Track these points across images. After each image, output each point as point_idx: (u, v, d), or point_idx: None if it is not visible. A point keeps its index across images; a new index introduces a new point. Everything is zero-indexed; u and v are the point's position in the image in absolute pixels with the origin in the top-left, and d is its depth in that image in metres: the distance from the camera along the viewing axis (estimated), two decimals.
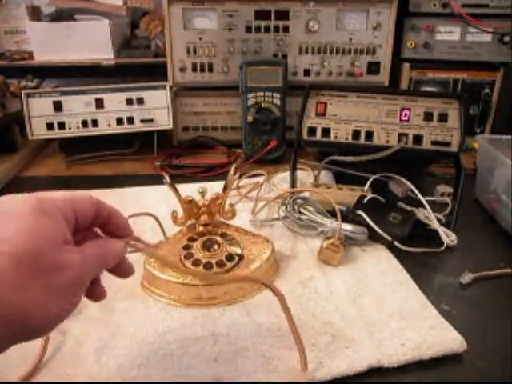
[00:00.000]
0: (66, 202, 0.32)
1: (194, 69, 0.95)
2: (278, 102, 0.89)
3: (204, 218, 0.58)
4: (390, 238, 0.60)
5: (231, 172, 0.58)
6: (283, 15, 0.92)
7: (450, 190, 0.74)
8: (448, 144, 0.69)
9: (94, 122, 0.89)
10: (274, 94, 0.88)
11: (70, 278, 0.29)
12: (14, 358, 0.42)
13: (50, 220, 0.30)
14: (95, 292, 0.36)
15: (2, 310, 0.26)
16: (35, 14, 1.23)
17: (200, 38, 0.93)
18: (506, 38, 0.93)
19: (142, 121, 0.90)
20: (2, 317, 0.26)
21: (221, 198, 0.58)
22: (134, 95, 0.89)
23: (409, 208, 0.66)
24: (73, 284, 0.30)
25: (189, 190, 0.60)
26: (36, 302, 0.28)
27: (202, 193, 0.57)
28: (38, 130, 0.87)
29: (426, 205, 0.65)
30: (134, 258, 0.59)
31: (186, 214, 0.57)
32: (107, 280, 0.56)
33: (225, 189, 0.58)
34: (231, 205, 0.59)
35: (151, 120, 0.90)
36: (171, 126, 0.92)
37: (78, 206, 0.33)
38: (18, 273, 0.27)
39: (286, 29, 0.93)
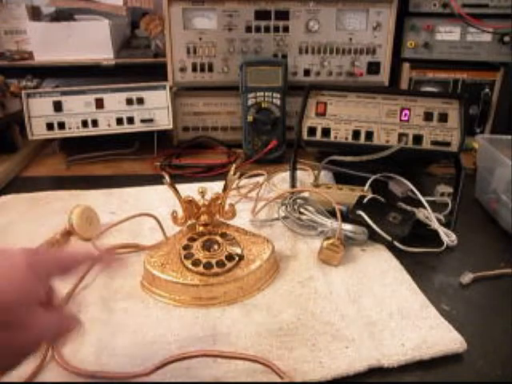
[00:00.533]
0: (43, 267, 0.32)
1: (194, 69, 0.95)
2: (278, 102, 0.89)
3: (204, 218, 0.58)
4: (389, 238, 0.60)
5: (231, 172, 0.58)
6: (283, 15, 0.92)
7: (450, 190, 0.74)
8: (448, 144, 0.69)
9: (94, 122, 0.89)
10: (274, 94, 0.88)
11: (28, 340, 0.30)
12: None
13: (30, 282, 0.30)
14: None
15: None
16: (35, 14, 1.23)
17: (200, 38, 0.93)
18: (506, 38, 0.93)
19: (142, 121, 0.90)
20: None
21: (221, 198, 0.58)
22: (134, 95, 0.89)
23: (409, 208, 0.66)
24: (27, 345, 0.30)
25: (189, 190, 0.60)
26: None
27: (202, 193, 0.57)
28: (37, 130, 0.87)
29: (426, 205, 0.65)
30: (134, 258, 0.59)
31: (186, 214, 0.57)
32: (107, 280, 0.56)
33: (225, 189, 0.58)
34: (231, 205, 0.59)
35: (151, 120, 0.90)
36: (171, 126, 0.92)
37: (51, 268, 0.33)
38: None
39: (286, 29, 0.93)
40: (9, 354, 0.30)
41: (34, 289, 0.30)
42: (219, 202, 0.58)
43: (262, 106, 0.89)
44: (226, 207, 0.59)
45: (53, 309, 0.33)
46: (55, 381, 0.41)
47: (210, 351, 0.43)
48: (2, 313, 0.28)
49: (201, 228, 0.58)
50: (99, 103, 0.88)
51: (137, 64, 1.14)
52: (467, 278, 0.55)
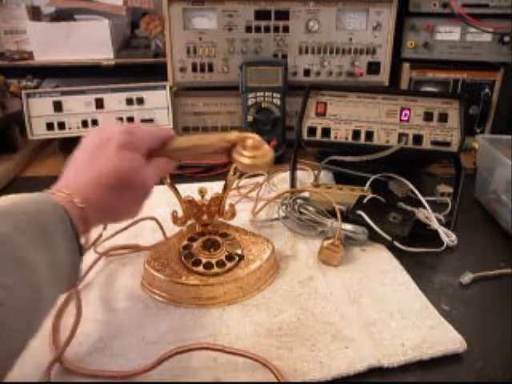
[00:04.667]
0: (142, 139, 0.45)
1: (194, 69, 0.95)
2: (278, 102, 0.89)
3: (204, 218, 0.58)
4: (389, 238, 0.60)
5: (231, 172, 0.58)
6: (283, 15, 0.92)
7: (450, 189, 0.74)
8: (448, 144, 0.69)
9: (94, 122, 0.88)
10: (274, 94, 0.88)
11: (145, 193, 0.45)
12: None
13: (135, 153, 0.43)
14: None
15: (108, 208, 0.42)
16: (35, 13, 1.23)
17: (200, 38, 0.93)
18: (506, 38, 0.92)
19: (142, 121, 0.90)
20: (103, 209, 0.41)
21: (221, 198, 0.58)
22: (134, 95, 0.89)
23: (409, 208, 0.66)
24: (145, 196, 0.46)
25: (189, 189, 0.60)
26: (125, 207, 0.44)
27: (202, 193, 0.57)
28: (38, 130, 0.87)
29: (426, 205, 0.65)
30: (134, 259, 0.59)
31: (186, 214, 0.57)
32: (108, 280, 0.56)
33: (225, 189, 0.58)
34: (231, 205, 0.59)
35: (151, 120, 0.90)
36: (171, 126, 0.92)
37: (149, 141, 0.46)
38: (120, 187, 0.42)
39: (286, 29, 0.93)
40: (137, 201, 0.45)
41: (138, 161, 0.44)
42: (219, 202, 0.58)
43: (262, 105, 0.89)
44: (226, 207, 0.59)
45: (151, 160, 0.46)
46: (56, 380, 0.41)
47: (212, 345, 0.43)
48: (127, 178, 0.42)
49: (201, 228, 0.58)
50: (99, 103, 0.88)
51: (137, 64, 1.14)
52: (467, 277, 0.55)
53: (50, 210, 0.37)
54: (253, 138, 0.50)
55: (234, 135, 0.49)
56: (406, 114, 0.70)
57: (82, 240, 0.40)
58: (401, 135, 0.70)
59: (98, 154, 0.43)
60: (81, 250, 0.39)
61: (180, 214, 0.57)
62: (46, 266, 0.34)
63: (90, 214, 0.40)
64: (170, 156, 0.48)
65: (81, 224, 0.39)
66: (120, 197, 0.42)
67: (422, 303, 0.50)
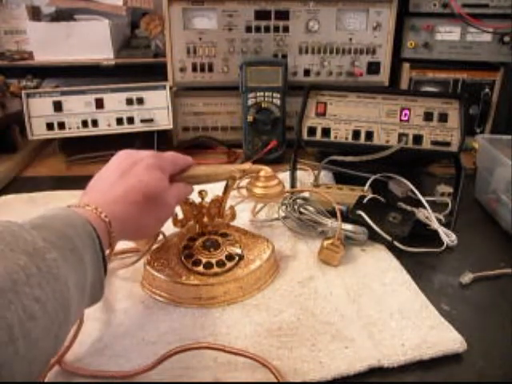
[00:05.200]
0: (168, 164, 0.49)
1: (194, 69, 0.95)
2: (278, 102, 0.89)
3: (204, 220, 0.58)
4: (389, 238, 0.60)
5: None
6: (283, 15, 0.92)
7: (449, 189, 0.74)
8: (448, 144, 0.69)
9: (94, 122, 0.88)
10: (274, 94, 0.88)
11: (168, 213, 0.49)
12: None
13: (162, 175, 0.47)
14: None
15: (133, 224, 0.44)
16: (35, 13, 1.23)
17: (200, 38, 0.93)
18: (506, 38, 0.92)
19: (142, 121, 0.90)
20: (128, 226, 0.43)
21: (221, 200, 0.58)
22: (134, 95, 0.89)
23: (409, 208, 0.66)
24: (167, 217, 0.49)
25: None
26: (148, 224, 0.46)
27: (202, 195, 0.57)
28: (38, 130, 0.87)
29: (426, 205, 0.65)
30: (134, 258, 0.59)
31: (186, 217, 0.57)
32: (107, 281, 0.56)
33: (225, 191, 0.58)
34: (231, 207, 0.59)
35: (151, 120, 0.90)
36: (171, 126, 0.92)
37: (172, 166, 0.50)
38: (146, 205, 0.44)
39: (286, 29, 0.93)
40: (160, 220, 0.48)
41: (163, 181, 0.46)
42: (219, 204, 0.58)
43: (262, 106, 0.89)
44: (226, 209, 0.59)
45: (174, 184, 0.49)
46: (55, 380, 0.41)
47: (212, 344, 0.43)
48: (153, 195, 0.44)
49: (201, 228, 0.58)
50: (99, 103, 0.88)
51: (137, 64, 1.14)
52: (467, 277, 0.55)
53: (79, 225, 0.37)
54: (265, 169, 0.56)
55: (247, 166, 0.56)
56: (406, 114, 0.70)
57: (107, 256, 0.40)
58: (401, 135, 0.70)
59: (128, 172, 0.45)
60: (105, 267, 0.39)
61: (180, 216, 0.57)
62: (75, 283, 0.34)
63: (115, 229, 0.40)
64: (187, 181, 0.53)
65: (106, 240, 0.40)
66: (145, 214, 0.44)
67: (422, 303, 0.50)
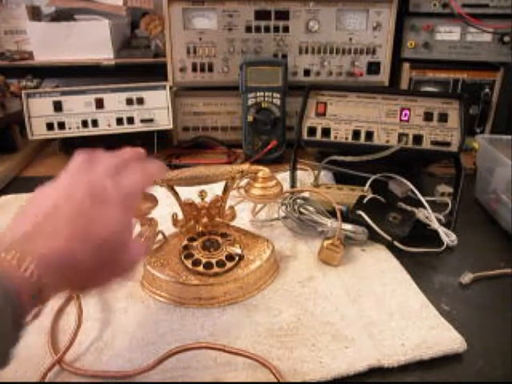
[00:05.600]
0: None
1: (194, 69, 0.95)
2: (278, 102, 0.89)
3: (204, 220, 0.58)
4: (390, 238, 0.60)
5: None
6: (283, 15, 0.92)
7: (449, 189, 0.74)
8: (448, 144, 0.69)
9: (94, 122, 0.88)
10: (274, 94, 0.88)
11: (130, 260, 0.37)
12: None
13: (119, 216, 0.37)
14: None
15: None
16: (35, 14, 1.23)
17: (200, 38, 0.93)
18: (506, 38, 0.92)
19: (142, 121, 0.90)
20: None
21: (221, 200, 0.58)
22: (134, 95, 0.89)
23: (409, 208, 0.66)
24: (130, 265, 0.38)
25: (189, 190, 0.60)
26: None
27: (202, 195, 0.57)
28: (37, 130, 0.87)
29: (426, 205, 0.65)
30: None
31: (186, 217, 0.57)
32: None
33: (225, 191, 0.58)
34: (231, 207, 0.59)
35: (151, 120, 0.90)
36: (171, 126, 0.92)
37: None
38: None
39: (286, 29, 0.93)
40: (114, 273, 0.35)
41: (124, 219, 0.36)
42: (219, 204, 0.58)
43: (262, 106, 0.89)
44: (226, 209, 0.59)
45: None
46: (55, 381, 0.41)
47: (212, 344, 0.43)
48: (107, 244, 0.34)
49: (201, 228, 0.58)
50: (99, 103, 0.88)
51: (137, 64, 1.14)
52: (467, 277, 0.55)
53: None
54: (263, 170, 0.56)
55: (245, 166, 0.56)
56: (405, 114, 0.70)
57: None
58: (401, 135, 0.70)
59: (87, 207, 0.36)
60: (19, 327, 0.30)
61: (180, 216, 0.57)
62: None
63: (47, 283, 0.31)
64: (187, 182, 0.53)
65: (30, 299, 0.30)
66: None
67: (422, 303, 0.50)
